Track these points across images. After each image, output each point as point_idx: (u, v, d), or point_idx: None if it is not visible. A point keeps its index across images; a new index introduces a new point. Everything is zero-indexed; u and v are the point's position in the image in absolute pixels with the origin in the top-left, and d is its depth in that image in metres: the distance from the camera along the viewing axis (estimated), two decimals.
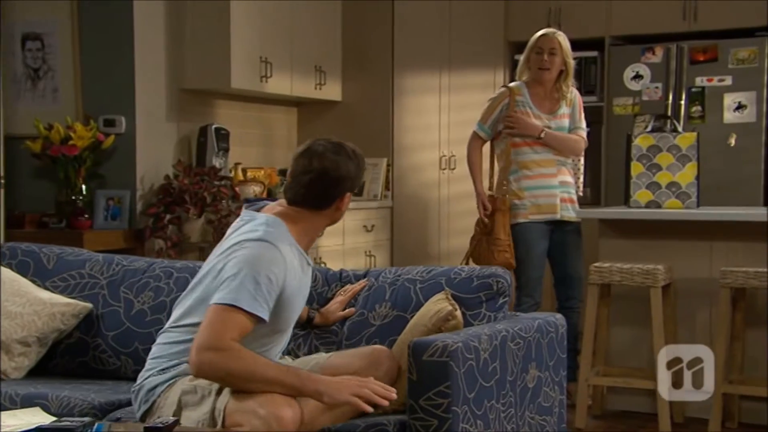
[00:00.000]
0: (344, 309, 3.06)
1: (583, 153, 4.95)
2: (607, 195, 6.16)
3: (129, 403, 2.90)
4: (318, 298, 3.12)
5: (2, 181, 4.86)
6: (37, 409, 2.75)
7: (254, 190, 5.64)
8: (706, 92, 5.93)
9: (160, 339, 2.74)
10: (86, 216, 5.01)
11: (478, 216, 4.89)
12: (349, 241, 5.83)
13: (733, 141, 5.87)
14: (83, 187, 5.04)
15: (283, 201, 2.74)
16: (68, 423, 2.23)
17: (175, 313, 2.74)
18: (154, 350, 2.73)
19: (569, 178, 4.86)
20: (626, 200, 4.67)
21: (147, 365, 2.72)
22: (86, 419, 2.28)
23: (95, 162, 5.08)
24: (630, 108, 6.11)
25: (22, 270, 3.48)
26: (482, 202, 4.82)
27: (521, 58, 4.93)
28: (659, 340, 4.26)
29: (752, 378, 4.38)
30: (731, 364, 4.35)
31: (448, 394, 2.54)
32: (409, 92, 6.55)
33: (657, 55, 6.07)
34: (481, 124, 4.89)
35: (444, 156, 6.56)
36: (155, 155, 5.29)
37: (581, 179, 5.00)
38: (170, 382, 2.62)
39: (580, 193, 4.99)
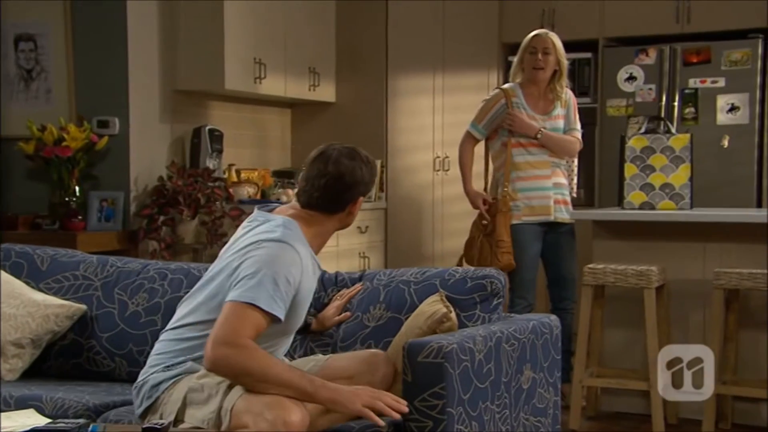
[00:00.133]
0: (340, 313, 3.06)
1: (577, 154, 4.96)
2: (600, 196, 6.18)
3: (123, 404, 2.91)
4: (315, 302, 3.11)
5: None
6: (32, 410, 2.74)
7: (248, 191, 5.63)
8: (699, 94, 5.95)
9: (165, 336, 2.73)
10: (80, 217, 5.00)
11: (472, 217, 4.89)
12: (343, 242, 5.83)
13: (726, 142, 5.89)
14: (77, 188, 5.03)
15: (295, 204, 2.76)
16: (63, 425, 2.23)
17: (181, 311, 2.74)
18: (159, 347, 2.72)
19: (563, 180, 4.87)
20: (620, 201, 4.67)
21: (151, 361, 2.71)
22: (81, 421, 2.28)
23: (89, 163, 5.07)
24: (623, 109, 6.12)
25: (15, 272, 3.47)
26: (483, 199, 4.81)
27: (514, 59, 4.94)
28: (653, 341, 4.27)
29: (745, 379, 4.39)
30: (725, 365, 4.36)
31: (443, 396, 2.54)
32: (402, 93, 6.55)
33: (650, 57, 6.08)
34: (475, 124, 4.89)
35: (438, 157, 6.56)
36: (149, 156, 5.28)
37: (575, 181, 5.01)
38: (175, 379, 2.61)
39: (574, 195, 5.00)
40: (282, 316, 2.53)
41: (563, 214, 4.82)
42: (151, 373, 2.66)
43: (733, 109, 5.87)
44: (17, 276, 3.45)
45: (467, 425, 2.61)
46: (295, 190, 5.62)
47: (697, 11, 6.01)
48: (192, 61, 5.43)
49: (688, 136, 4.63)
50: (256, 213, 2.76)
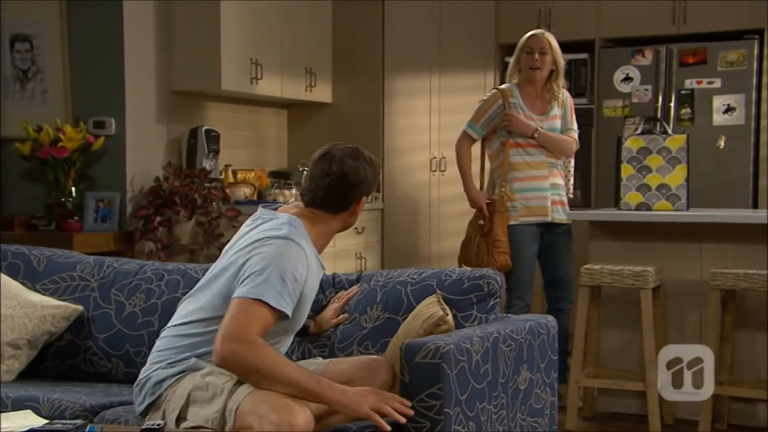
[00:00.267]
0: (338, 315, 3.07)
1: (573, 155, 4.97)
2: (597, 197, 6.18)
3: (120, 405, 2.90)
4: (313, 305, 3.10)
5: None
6: (28, 411, 2.74)
7: (244, 192, 5.63)
8: (695, 94, 5.96)
9: (168, 333, 2.72)
10: (76, 218, 4.99)
11: (469, 218, 4.89)
12: (339, 243, 5.82)
13: (722, 143, 5.90)
14: (73, 189, 5.02)
15: (299, 203, 2.79)
16: (60, 425, 2.22)
17: (184, 309, 2.73)
18: (161, 343, 2.72)
19: (560, 181, 4.87)
20: (616, 202, 4.68)
21: (153, 358, 2.70)
22: (78, 422, 2.28)
23: (85, 164, 5.06)
24: (620, 110, 6.13)
25: (12, 272, 3.46)
26: (485, 200, 4.81)
27: (511, 60, 4.94)
28: (649, 341, 4.27)
29: (742, 379, 4.40)
30: (721, 366, 4.36)
31: (441, 396, 2.54)
32: (399, 94, 6.55)
33: (647, 58, 6.09)
34: (472, 125, 4.89)
35: (434, 158, 6.56)
36: (145, 157, 5.28)
37: (571, 181, 5.01)
38: (179, 375, 2.61)
39: (571, 195, 5.00)
40: (290, 312, 2.55)
41: (560, 215, 4.82)
42: (155, 370, 2.66)
43: (729, 110, 5.88)
44: (14, 277, 3.45)
45: (464, 426, 2.61)
46: (293, 191, 5.70)
47: (694, 12, 6.02)
48: (188, 62, 5.43)
49: (684, 136, 4.64)
50: (261, 211, 2.78)
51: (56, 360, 3.35)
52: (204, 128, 5.52)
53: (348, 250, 6.11)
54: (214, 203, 5.19)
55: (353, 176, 2.72)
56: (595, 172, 6.21)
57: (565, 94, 4.91)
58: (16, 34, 5.26)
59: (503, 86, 4.92)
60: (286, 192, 5.77)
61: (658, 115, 5.85)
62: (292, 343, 2.96)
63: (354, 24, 6.51)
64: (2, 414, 2.68)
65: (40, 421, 2.54)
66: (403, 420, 2.49)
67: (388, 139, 6.55)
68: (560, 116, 4.88)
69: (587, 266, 4.47)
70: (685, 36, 6.05)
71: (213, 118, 5.84)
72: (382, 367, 2.68)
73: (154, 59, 5.34)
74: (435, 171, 6.56)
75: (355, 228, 6.15)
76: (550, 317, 3.19)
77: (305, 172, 2.79)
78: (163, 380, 2.62)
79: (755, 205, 5.82)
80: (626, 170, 4.62)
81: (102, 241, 4.95)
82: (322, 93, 6.48)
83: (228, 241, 2.83)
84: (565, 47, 5.04)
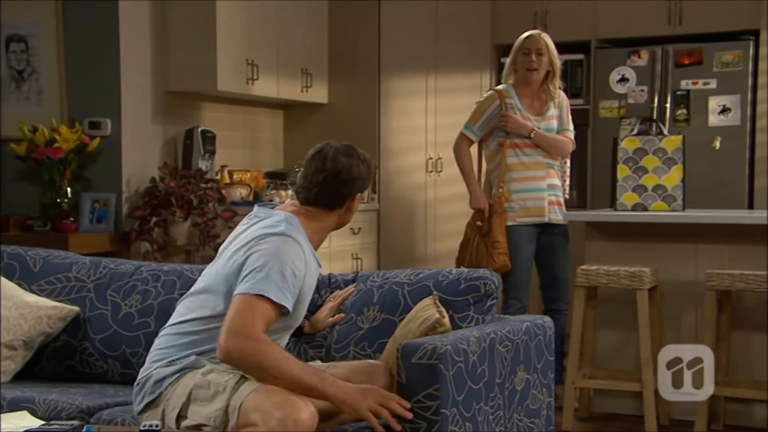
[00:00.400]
0: (333, 315, 3.07)
1: (569, 155, 4.97)
2: (593, 198, 6.19)
3: (116, 406, 2.90)
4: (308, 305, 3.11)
5: None
6: (25, 412, 2.73)
7: (240, 192, 5.62)
8: (691, 95, 5.97)
9: (167, 331, 2.73)
10: (71, 219, 4.98)
11: (465, 219, 4.89)
12: (335, 243, 5.82)
13: (717, 144, 5.91)
14: (68, 189, 5.01)
15: (295, 201, 2.81)
16: (57, 426, 2.22)
17: (183, 308, 2.74)
18: (160, 342, 2.72)
19: (557, 181, 4.87)
20: (612, 203, 4.68)
21: (153, 356, 2.70)
22: (74, 422, 2.28)
23: (80, 165, 5.05)
24: (616, 111, 6.14)
25: (7, 273, 3.46)
26: (487, 202, 4.80)
27: (507, 61, 4.95)
28: (645, 342, 4.28)
29: (738, 380, 4.40)
30: (717, 367, 4.35)
31: (438, 397, 2.54)
32: (395, 95, 6.55)
33: (642, 59, 6.10)
34: (469, 126, 4.89)
35: (431, 159, 6.56)
36: (141, 158, 5.27)
37: (567, 182, 5.02)
38: (180, 373, 2.61)
39: (567, 196, 5.00)
40: (291, 307, 2.57)
41: (557, 216, 4.83)
42: (155, 368, 2.66)
43: (724, 110, 5.89)
44: (9, 278, 3.44)
45: (461, 426, 2.61)
46: (289, 192, 5.69)
47: (689, 13, 6.03)
48: (184, 62, 5.42)
49: (680, 137, 4.64)
50: (257, 210, 2.79)
51: (52, 361, 3.34)
52: (200, 129, 5.51)
53: (344, 251, 6.10)
54: (210, 204, 5.18)
55: (347, 173, 2.74)
56: (591, 173, 6.21)
57: (561, 95, 4.91)
58: (12, 34, 5.25)
59: (500, 87, 4.92)
60: (282, 193, 5.77)
61: (654, 116, 5.86)
62: (288, 343, 2.96)
63: (350, 24, 6.51)
64: None
65: (36, 422, 2.54)
66: (398, 427, 2.50)
67: (384, 140, 6.54)
68: (556, 117, 4.88)
69: (583, 267, 4.47)
70: (680, 37, 6.06)
71: (209, 118, 5.84)
72: (381, 371, 2.69)
73: (150, 60, 5.33)
74: (431, 172, 6.56)
75: (351, 228, 6.15)
76: (547, 318, 3.19)
77: (300, 171, 2.82)
78: (164, 378, 2.62)
79: (751, 206, 5.83)
80: (622, 171, 4.62)
81: (98, 242, 4.94)
82: (318, 94, 6.47)
83: (224, 241, 2.83)
84: (561, 48, 5.04)
